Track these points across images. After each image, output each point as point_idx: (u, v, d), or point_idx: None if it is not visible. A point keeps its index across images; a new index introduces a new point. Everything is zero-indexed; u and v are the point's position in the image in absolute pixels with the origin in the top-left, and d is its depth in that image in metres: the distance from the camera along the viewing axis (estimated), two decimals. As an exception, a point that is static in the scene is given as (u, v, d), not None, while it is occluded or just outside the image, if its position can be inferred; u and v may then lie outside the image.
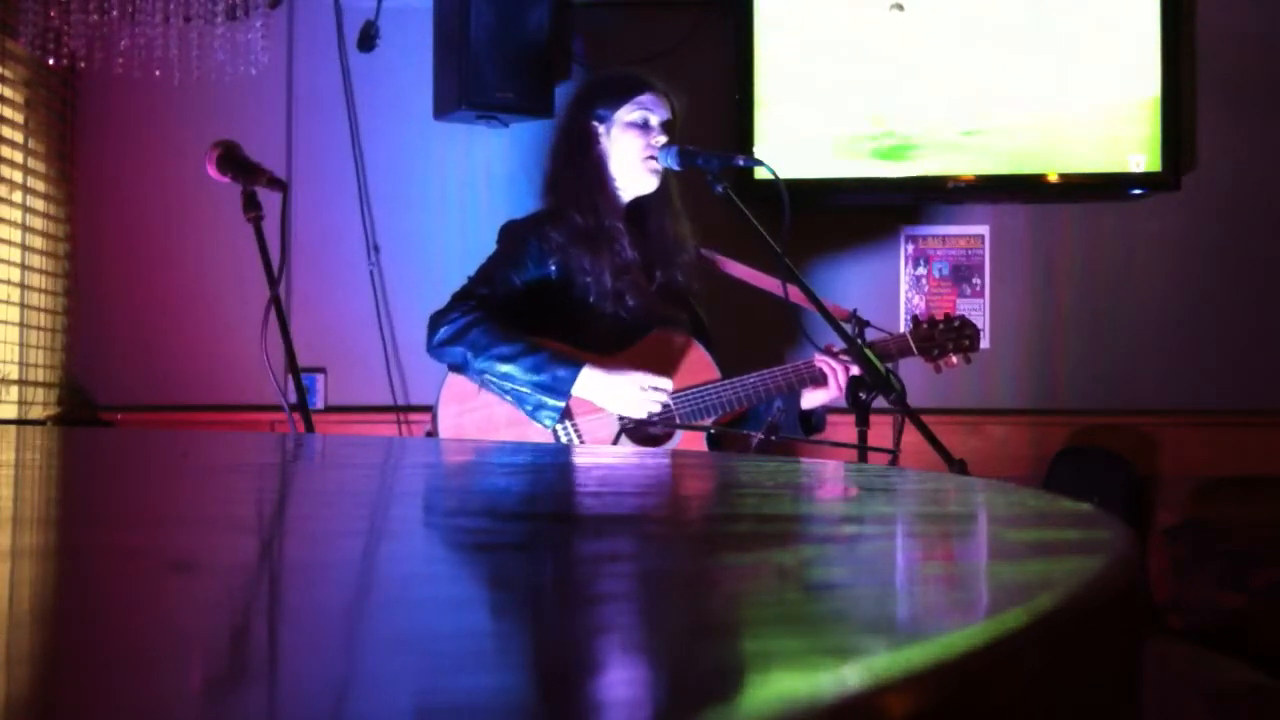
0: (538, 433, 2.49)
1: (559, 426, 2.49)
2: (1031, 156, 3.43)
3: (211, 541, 0.55)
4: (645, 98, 2.63)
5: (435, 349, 2.52)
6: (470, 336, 2.47)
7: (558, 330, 2.54)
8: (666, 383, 2.49)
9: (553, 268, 2.57)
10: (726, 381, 2.55)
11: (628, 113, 2.62)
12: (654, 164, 2.58)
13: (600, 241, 2.57)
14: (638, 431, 2.53)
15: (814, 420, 2.65)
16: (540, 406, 2.46)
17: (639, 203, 2.66)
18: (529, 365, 2.44)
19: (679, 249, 2.67)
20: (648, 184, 2.62)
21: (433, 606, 0.39)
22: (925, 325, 2.61)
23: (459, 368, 2.52)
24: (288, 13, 3.56)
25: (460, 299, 2.55)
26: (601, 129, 2.64)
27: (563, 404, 2.45)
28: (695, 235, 2.74)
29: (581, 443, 2.50)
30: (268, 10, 3.14)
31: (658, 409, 2.49)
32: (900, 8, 3.43)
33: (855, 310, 2.46)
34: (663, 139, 2.59)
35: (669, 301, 2.65)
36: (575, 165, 2.63)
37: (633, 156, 2.60)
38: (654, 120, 2.62)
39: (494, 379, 2.47)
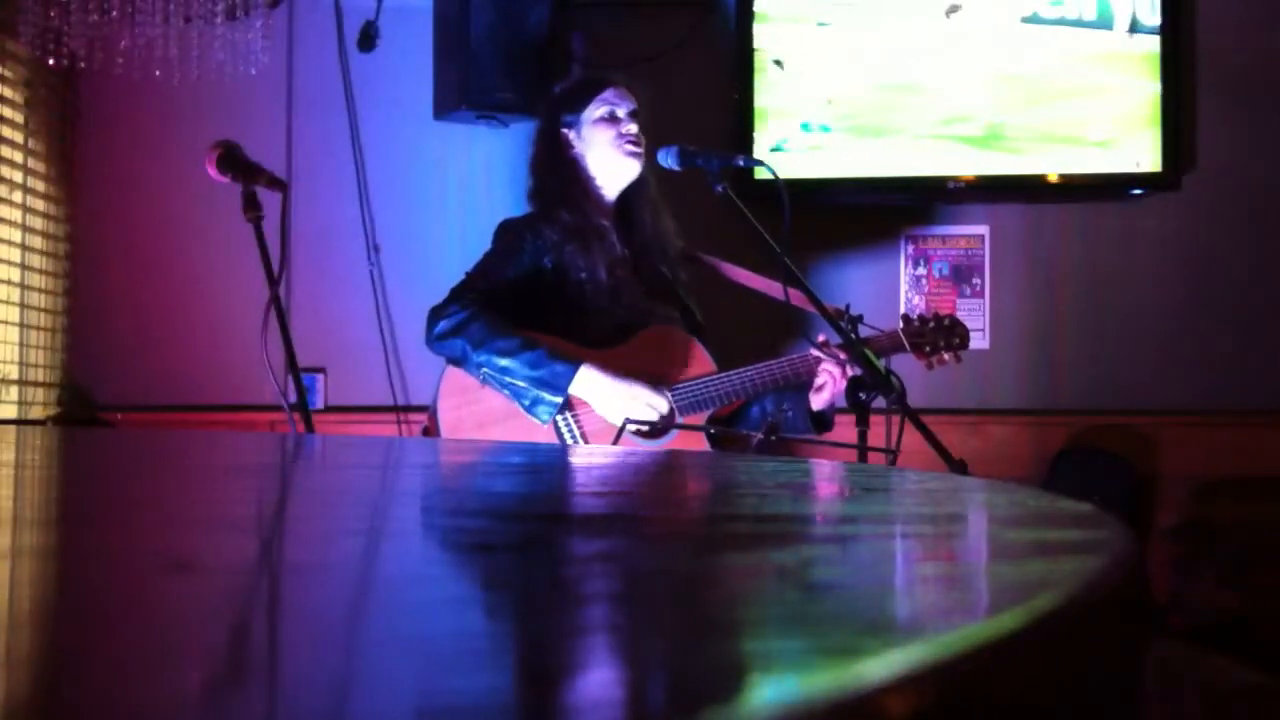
0: (538, 426, 2.49)
1: (560, 418, 2.49)
2: (1031, 156, 3.43)
3: (211, 541, 0.55)
4: (607, 93, 2.68)
5: (434, 342, 2.52)
6: (469, 330, 2.48)
7: (554, 326, 2.54)
8: (662, 403, 2.49)
9: (548, 264, 2.58)
10: (723, 374, 2.56)
11: (594, 110, 2.67)
12: (630, 148, 2.61)
13: (591, 238, 2.59)
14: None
15: (825, 419, 2.65)
16: (538, 402, 2.46)
17: (624, 200, 2.68)
18: (528, 360, 2.45)
19: (666, 243, 2.70)
20: (629, 171, 2.64)
21: (432, 607, 0.39)
22: (916, 322, 2.64)
23: (457, 361, 2.52)
24: (288, 13, 3.56)
25: (458, 293, 2.56)
26: (573, 134, 2.68)
27: (560, 400, 2.45)
28: (696, 237, 2.75)
29: (583, 434, 2.50)
30: (268, 10, 3.14)
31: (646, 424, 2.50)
32: (957, 8, 3.43)
33: (847, 306, 2.47)
34: (633, 126, 2.63)
35: (660, 296, 2.66)
36: (554, 174, 2.67)
37: (608, 147, 2.64)
38: (621, 111, 2.66)
39: (492, 373, 2.47)
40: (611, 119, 2.65)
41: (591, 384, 2.46)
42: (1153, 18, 3.43)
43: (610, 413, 2.47)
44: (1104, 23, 3.44)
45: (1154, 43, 3.42)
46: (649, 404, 2.48)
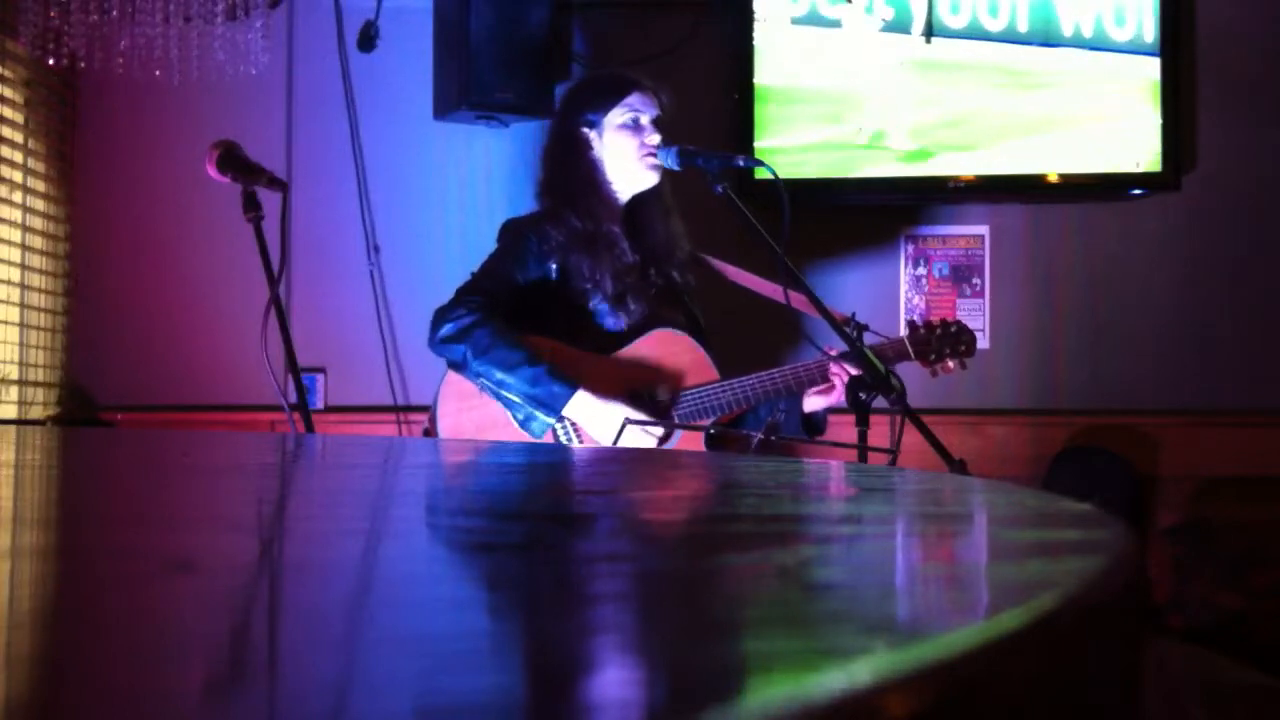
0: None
1: (559, 426, 2.49)
2: (1031, 156, 3.43)
3: (211, 541, 0.55)
4: (633, 98, 2.62)
5: (437, 344, 2.51)
6: (473, 336, 2.47)
7: (558, 329, 2.54)
8: (658, 430, 2.49)
9: (553, 266, 2.57)
10: (726, 382, 2.55)
11: (618, 115, 2.61)
12: (652, 160, 2.58)
13: (600, 245, 2.57)
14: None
15: (816, 422, 2.65)
16: (531, 419, 2.46)
17: (635, 202, 2.66)
18: (527, 377, 2.43)
19: (675, 247, 2.68)
20: (647, 181, 2.62)
21: (433, 606, 0.39)
22: (923, 330, 2.61)
23: (458, 365, 2.51)
24: (288, 13, 3.56)
25: (465, 295, 2.54)
26: (593, 134, 2.63)
27: (553, 420, 2.45)
28: (696, 237, 2.74)
29: (580, 441, 2.50)
30: (268, 10, 3.14)
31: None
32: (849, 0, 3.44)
33: (853, 314, 2.46)
34: (656, 137, 2.59)
35: (666, 301, 2.65)
36: (569, 171, 2.63)
37: (629, 157, 2.60)
38: (645, 119, 2.61)
39: (490, 384, 2.46)
40: (635, 127, 2.60)
41: (585, 408, 2.45)
42: (1152, 22, 3.43)
43: (601, 436, 2.46)
44: (901, 27, 3.45)
45: (1154, 43, 3.42)
46: (645, 431, 2.47)
